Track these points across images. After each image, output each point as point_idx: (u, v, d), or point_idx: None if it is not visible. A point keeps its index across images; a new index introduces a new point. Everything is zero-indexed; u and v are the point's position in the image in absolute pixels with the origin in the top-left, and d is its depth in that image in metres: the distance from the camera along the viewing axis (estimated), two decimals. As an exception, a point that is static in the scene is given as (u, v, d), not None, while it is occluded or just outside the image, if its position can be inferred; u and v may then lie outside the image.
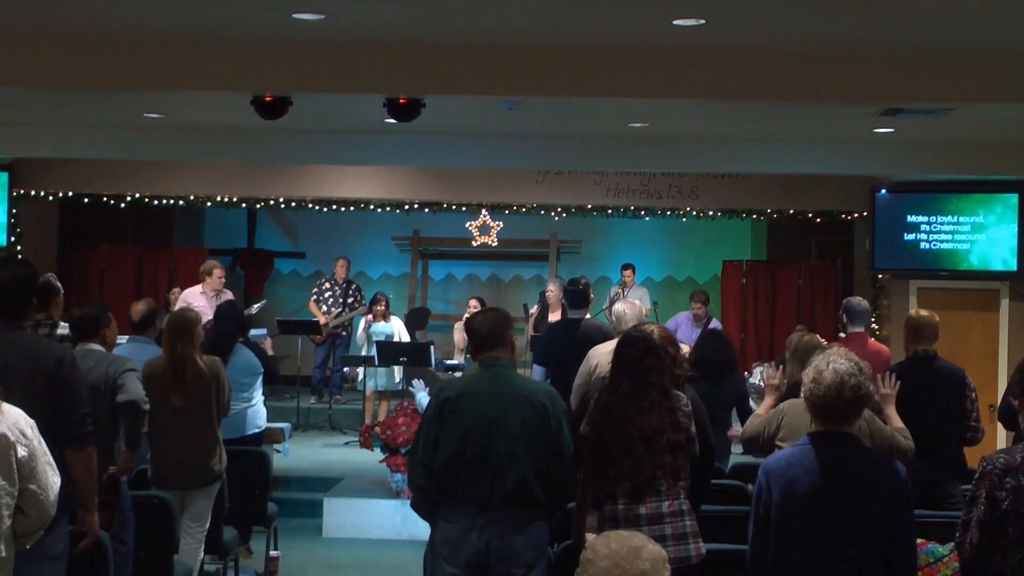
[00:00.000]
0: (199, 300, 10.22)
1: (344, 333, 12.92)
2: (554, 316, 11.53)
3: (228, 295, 10.82)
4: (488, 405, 4.59)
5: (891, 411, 5.64)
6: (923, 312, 6.89)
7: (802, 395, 4.06)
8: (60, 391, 4.40)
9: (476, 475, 4.53)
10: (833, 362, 3.93)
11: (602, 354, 6.49)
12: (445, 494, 4.59)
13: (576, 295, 7.85)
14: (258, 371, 7.69)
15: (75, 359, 4.58)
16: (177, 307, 8.57)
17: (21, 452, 3.77)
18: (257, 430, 7.76)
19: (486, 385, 4.66)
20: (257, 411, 7.75)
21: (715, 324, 11.94)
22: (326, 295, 12.88)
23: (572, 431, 4.70)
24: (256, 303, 11.39)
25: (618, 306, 6.77)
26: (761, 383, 5.94)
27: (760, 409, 5.75)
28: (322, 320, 12.61)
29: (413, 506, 4.79)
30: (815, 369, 3.96)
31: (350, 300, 12.87)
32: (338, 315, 12.68)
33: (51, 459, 3.93)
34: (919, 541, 4.62)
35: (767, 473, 3.95)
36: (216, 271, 10.64)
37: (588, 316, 7.98)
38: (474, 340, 4.81)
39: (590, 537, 4.67)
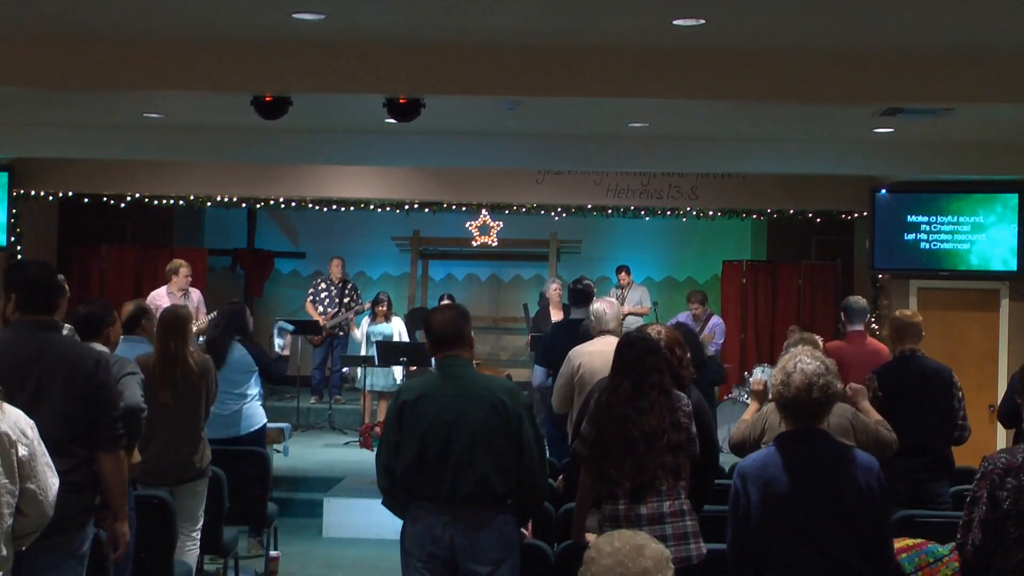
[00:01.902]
0: (165, 300, 10.21)
1: (342, 333, 12.90)
2: (556, 315, 11.54)
3: (195, 293, 10.85)
4: (445, 407, 4.57)
5: (865, 404, 5.74)
6: (907, 312, 6.96)
7: (771, 396, 4.08)
8: (95, 393, 4.43)
9: (437, 476, 4.53)
10: (800, 363, 3.96)
11: (584, 354, 6.49)
12: (410, 493, 4.60)
13: (579, 295, 7.84)
14: (252, 369, 7.72)
15: (109, 362, 4.61)
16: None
17: (22, 451, 3.78)
18: (252, 429, 7.76)
19: (443, 386, 4.63)
20: (252, 409, 7.77)
21: (715, 320, 11.98)
22: (322, 295, 12.84)
23: (534, 425, 4.65)
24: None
25: (597, 305, 6.74)
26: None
27: (746, 414, 5.74)
28: (320, 321, 12.59)
29: (384, 504, 4.79)
30: (783, 371, 3.99)
31: (346, 300, 12.83)
32: (335, 315, 12.64)
33: (50, 461, 3.94)
34: (919, 541, 4.65)
35: (743, 475, 3.98)
36: (183, 270, 10.64)
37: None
38: (434, 339, 4.72)
39: (590, 537, 4.68)
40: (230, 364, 7.59)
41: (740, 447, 5.43)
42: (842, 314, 7.87)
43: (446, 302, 11.12)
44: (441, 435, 4.54)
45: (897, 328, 6.72)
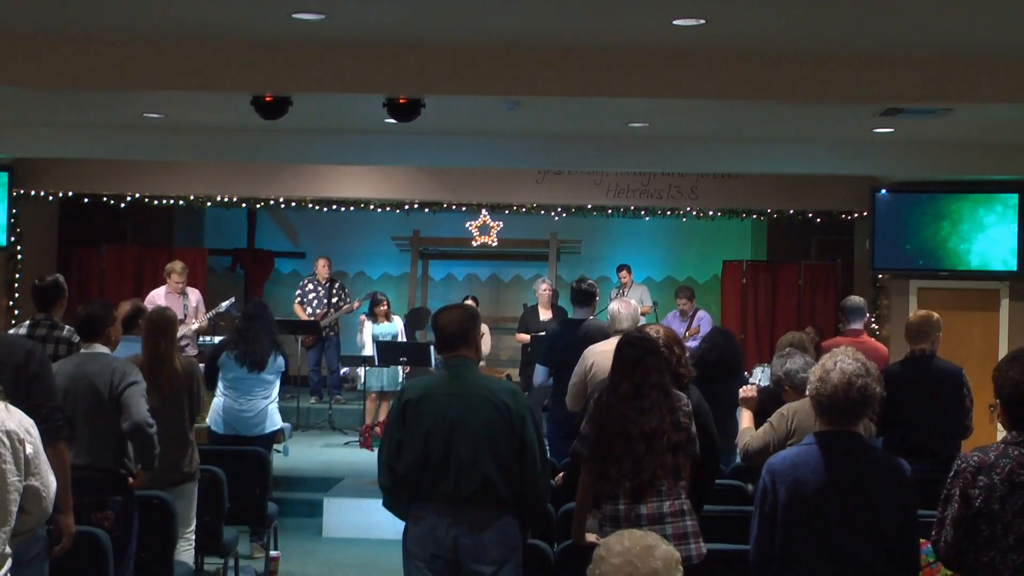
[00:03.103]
0: (163, 300, 10.23)
1: (332, 333, 12.86)
2: (544, 314, 11.55)
3: (194, 293, 10.86)
4: (448, 407, 4.55)
5: None
6: (921, 312, 6.97)
7: (808, 394, 4.05)
8: (29, 385, 4.37)
9: (440, 476, 4.52)
10: (840, 362, 3.90)
11: (597, 353, 6.49)
12: (413, 493, 4.59)
13: (580, 295, 7.84)
14: (282, 370, 8.07)
15: (44, 353, 4.55)
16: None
17: (28, 449, 3.79)
18: (272, 429, 8.10)
19: (447, 386, 4.62)
20: (274, 410, 8.10)
21: (702, 315, 12.00)
22: (309, 296, 12.73)
23: (536, 427, 4.63)
24: (225, 301, 11.27)
25: (613, 305, 6.76)
26: (762, 383, 5.94)
27: (744, 422, 5.66)
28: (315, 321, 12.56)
29: (385, 505, 4.78)
30: (822, 368, 3.93)
31: (334, 299, 12.78)
32: (325, 315, 12.58)
33: (46, 459, 3.93)
34: (919, 541, 4.63)
35: (772, 473, 3.91)
36: (174, 275, 10.68)
37: (592, 317, 7.95)
38: (440, 338, 4.72)
39: (591, 537, 4.69)
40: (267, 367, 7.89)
41: (760, 453, 5.20)
42: (840, 314, 7.92)
43: (468, 302, 11.19)
44: (444, 435, 4.52)
45: (905, 328, 6.79)
